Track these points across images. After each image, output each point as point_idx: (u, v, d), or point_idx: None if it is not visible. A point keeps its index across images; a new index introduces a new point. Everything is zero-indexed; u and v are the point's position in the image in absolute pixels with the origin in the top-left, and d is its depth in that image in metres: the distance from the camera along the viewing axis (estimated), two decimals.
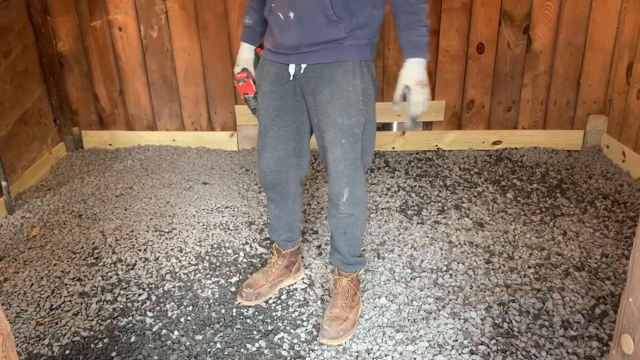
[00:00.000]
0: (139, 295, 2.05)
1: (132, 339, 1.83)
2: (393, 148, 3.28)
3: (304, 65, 1.64)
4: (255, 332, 1.85)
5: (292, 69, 1.67)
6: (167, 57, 3.15)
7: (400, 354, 1.74)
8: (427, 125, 3.26)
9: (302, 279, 2.12)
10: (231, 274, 2.17)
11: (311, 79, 1.65)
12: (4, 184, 2.61)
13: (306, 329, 1.86)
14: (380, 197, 2.72)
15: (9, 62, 2.78)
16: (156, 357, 1.74)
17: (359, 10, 1.57)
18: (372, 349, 1.77)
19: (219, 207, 2.67)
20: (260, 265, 2.22)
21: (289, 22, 1.59)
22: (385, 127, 3.29)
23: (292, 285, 2.08)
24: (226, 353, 1.76)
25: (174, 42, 3.12)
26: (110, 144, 3.37)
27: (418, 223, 2.48)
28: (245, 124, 3.27)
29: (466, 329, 1.83)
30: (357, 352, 1.76)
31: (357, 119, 1.65)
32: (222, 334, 1.84)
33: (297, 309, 1.96)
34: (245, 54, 1.84)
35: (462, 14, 2.98)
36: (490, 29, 3.01)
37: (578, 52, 3.03)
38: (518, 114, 3.19)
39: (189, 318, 1.92)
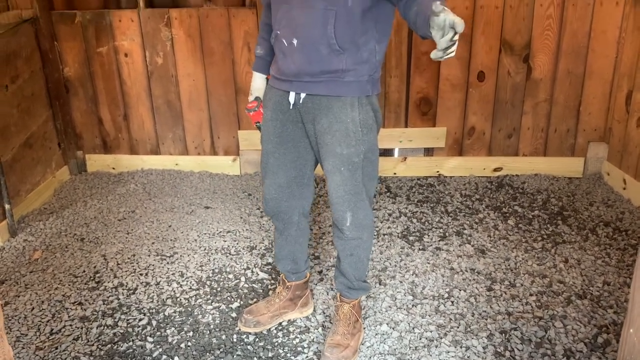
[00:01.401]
0: (140, 320, 2.04)
1: None
2: (394, 174, 3.29)
3: (303, 95, 1.66)
4: (255, 358, 1.84)
5: (292, 97, 1.69)
6: (172, 82, 3.20)
7: None
8: (428, 152, 3.28)
9: (311, 314, 2.08)
10: (232, 299, 2.16)
11: (310, 108, 1.67)
12: (7, 207, 2.62)
13: (307, 356, 1.85)
14: (382, 222, 2.72)
15: (16, 87, 2.82)
16: None
17: (361, 44, 1.59)
18: None
19: (220, 232, 2.68)
20: (261, 290, 2.22)
21: (292, 49, 1.62)
22: (387, 153, 3.31)
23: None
24: None
25: (179, 68, 3.17)
26: (113, 168, 3.39)
27: (420, 249, 2.48)
28: (248, 149, 3.30)
29: (468, 357, 1.82)
30: None
31: (356, 148, 1.65)
32: None
33: (298, 336, 1.95)
34: (258, 82, 1.87)
35: (463, 42, 3.03)
36: (490, 58, 3.05)
37: (578, 81, 3.07)
38: (519, 141, 3.21)
39: (189, 344, 1.91)
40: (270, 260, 2.42)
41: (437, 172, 3.28)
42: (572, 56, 3.02)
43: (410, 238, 2.58)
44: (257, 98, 1.86)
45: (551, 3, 2.93)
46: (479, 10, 2.96)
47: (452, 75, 3.10)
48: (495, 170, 3.25)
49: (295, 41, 1.60)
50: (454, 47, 1.27)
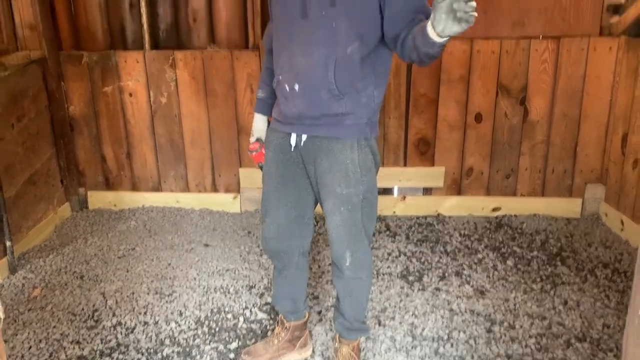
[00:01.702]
0: None
1: None
2: (394, 212, 3.31)
3: (304, 136, 1.71)
4: None
5: (293, 139, 1.73)
6: (175, 121, 3.26)
7: None
8: (427, 191, 3.31)
9: (309, 356, 2.07)
10: (230, 339, 2.15)
11: (311, 150, 1.71)
12: (8, 244, 2.64)
13: None
14: (381, 262, 2.73)
15: (22, 126, 2.87)
16: None
17: (361, 89, 1.65)
18: None
19: (219, 270, 2.68)
20: (260, 331, 2.21)
21: (294, 93, 1.67)
22: (387, 191, 3.34)
23: None
24: None
25: (182, 108, 3.23)
26: (115, 205, 3.42)
27: (419, 289, 2.48)
28: (249, 187, 3.33)
29: None
30: None
31: (356, 189, 1.69)
32: None
33: None
34: (259, 123, 1.92)
35: (460, 86, 3.10)
36: (487, 100, 3.11)
37: (573, 123, 3.12)
38: (517, 182, 3.25)
39: None
40: (269, 299, 2.41)
41: (436, 211, 3.30)
42: (568, 99, 3.08)
43: (410, 278, 2.58)
44: (258, 139, 1.90)
45: (546, 48, 3.01)
46: (476, 54, 3.04)
47: (450, 116, 3.16)
48: (494, 210, 3.27)
49: (296, 86, 1.65)
50: (474, 3, 1.25)
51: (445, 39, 1.38)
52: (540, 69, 3.04)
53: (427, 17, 1.44)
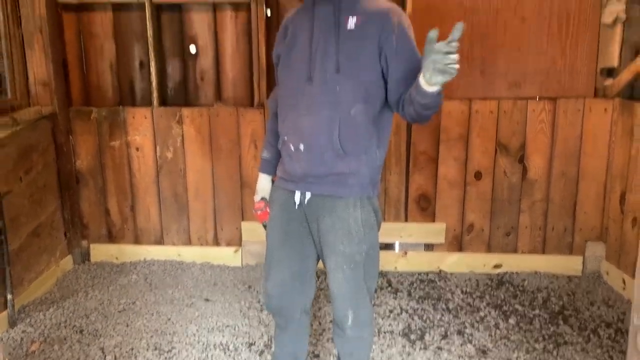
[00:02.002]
0: None
1: None
2: (395, 268, 3.31)
3: (308, 194, 1.75)
4: None
5: (297, 197, 1.77)
6: (180, 175, 3.31)
7: None
8: (429, 247, 3.32)
9: None
10: None
11: (314, 208, 1.75)
12: (9, 297, 2.63)
13: None
14: (382, 319, 2.71)
15: (30, 179, 2.93)
16: None
17: (364, 149, 1.70)
18: None
19: (219, 326, 2.66)
20: None
21: (299, 153, 1.72)
22: (388, 247, 3.35)
23: None
24: None
25: (188, 163, 3.29)
26: (117, 258, 3.42)
27: (421, 348, 2.46)
28: (250, 240, 3.35)
29: None
30: None
31: (359, 247, 1.72)
32: None
33: None
34: (263, 183, 1.97)
35: (460, 144, 3.17)
36: (486, 158, 3.18)
37: (572, 181, 3.17)
38: (517, 239, 3.26)
39: None
40: (269, 357, 2.39)
41: (438, 267, 3.30)
42: (566, 158, 3.14)
43: (412, 336, 2.56)
44: (263, 198, 1.94)
45: (543, 109, 3.10)
46: (475, 114, 3.12)
47: (450, 174, 3.21)
48: (495, 267, 3.27)
49: (301, 146, 1.71)
50: (455, 57, 1.36)
51: (436, 88, 1.46)
52: (537, 129, 3.12)
53: None
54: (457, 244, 3.30)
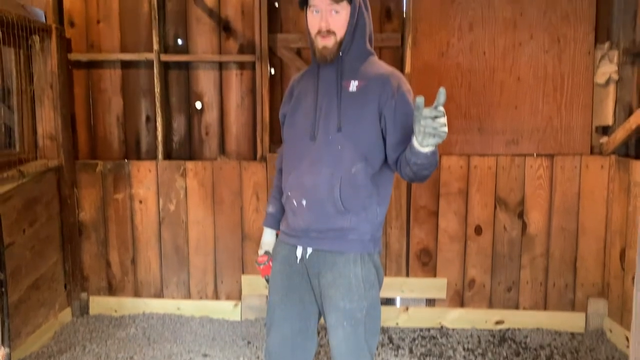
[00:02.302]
0: None
1: None
2: (397, 324, 3.28)
3: (310, 250, 1.78)
4: None
5: (299, 251, 1.80)
6: (182, 228, 3.33)
7: None
8: (430, 302, 3.31)
9: None
10: None
11: (315, 263, 1.77)
12: (6, 350, 2.60)
13: None
14: None
15: (33, 231, 2.95)
16: None
17: (365, 206, 1.74)
18: None
19: None
20: None
21: (301, 208, 1.76)
22: (389, 302, 3.33)
23: None
24: None
25: (190, 215, 3.32)
26: (115, 310, 3.40)
27: None
28: (250, 294, 3.33)
29: None
30: None
31: (359, 303, 1.72)
32: None
33: None
34: (268, 237, 1.99)
35: (459, 198, 3.21)
36: (486, 213, 3.21)
37: (572, 237, 3.19)
38: (519, 294, 3.25)
39: None
40: None
41: (440, 323, 3.27)
42: (565, 214, 3.17)
43: None
44: (266, 252, 1.96)
45: (540, 165, 3.15)
46: (473, 170, 3.17)
47: (450, 228, 3.23)
48: (497, 323, 3.24)
49: (304, 202, 1.75)
50: (443, 120, 1.43)
51: (428, 148, 1.52)
52: (536, 185, 3.17)
53: None
54: (458, 299, 3.28)
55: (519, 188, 3.18)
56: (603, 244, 3.18)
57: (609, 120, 3.16)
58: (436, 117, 1.44)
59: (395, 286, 3.27)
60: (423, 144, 1.50)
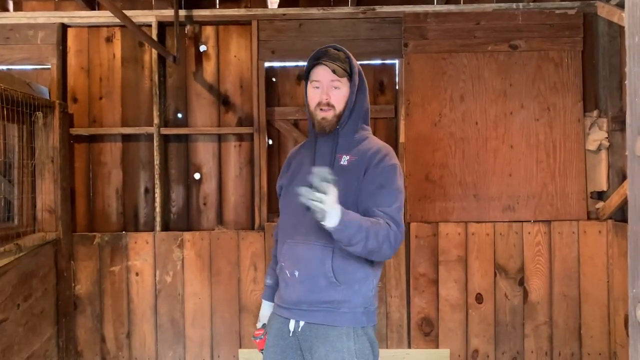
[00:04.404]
0: None
1: None
2: None
3: (302, 323, 1.75)
4: None
5: (292, 325, 1.77)
6: (178, 300, 3.28)
7: None
8: None
9: None
10: None
11: (308, 336, 1.74)
12: None
13: None
14: None
15: (27, 305, 2.90)
16: None
17: (357, 279, 1.73)
18: None
19: None
20: None
21: (294, 279, 1.75)
22: None
23: None
24: None
25: (186, 287, 3.28)
26: None
27: None
28: None
29: None
30: None
31: None
32: None
33: None
34: (266, 310, 1.97)
35: (459, 266, 3.18)
36: (486, 281, 3.17)
37: (574, 304, 3.14)
38: None
39: None
40: None
41: None
42: (566, 280, 3.14)
43: None
44: (264, 325, 1.94)
45: (538, 231, 3.16)
46: (471, 236, 3.17)
47: (451, 296, 3.19)
48: None
49: (296, 273, 1.75)
50: (316, 197, 1.47)
51: (330, 225, 1.54)
52: (534, 251, 3.16)
53: (386, 214, 1.65)
54: None
55: (518, 255, 3.17)
56: (607, 310, 3.13)
57: (603, 186, 3.19)
58: (316, 193, 1.47)
59: (398, 358, 3.18)
60: (317, 217, 1.53)
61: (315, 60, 1.80)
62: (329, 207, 1.49)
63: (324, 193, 1.48)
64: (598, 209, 3.18)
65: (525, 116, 3.24)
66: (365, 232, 1.58)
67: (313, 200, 1.47)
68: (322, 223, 1.54)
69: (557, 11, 3.24)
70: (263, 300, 1.99)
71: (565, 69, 3.22)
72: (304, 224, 1.76)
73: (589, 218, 3.20)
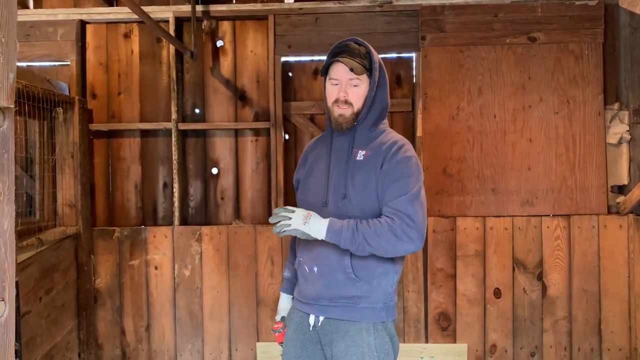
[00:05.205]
0: None
1: None
2: None
3: (322, 317, 1.76)
4: None
5: (312, 319, 1.78)
6: (196, 294, 3.32)
7: None
8: None
9: None
10: None
11: (328, 331, 1.75)
12: None
13: None
14: None
15: (49, 299, 2.95)
16: None
17: (377, 274, 1.73)
18: None
19: None
20: None
21: (312, 275, 1.76)
22: None
23: None
24: None
25: (204, 281, 3.31)
26: None
27: None
28: None
29: None
30: None
31: None
32: None
33: None
34: (284, 302, 1.98)
35: (477, 261, 3.16)
36: (504, 275, 3.15)
37: (594, 299, 3.11)
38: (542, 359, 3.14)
39: None
40: None
41: None
42: (585, 275, 3.11)
43: None
44: (283, 318, 1.94)
45: (557, 225, 3.12)
46: (489, 231, 3.15)
47: (469, 291, 3.17)
48: None
49: (315, 268, 1.75)
50: (281, 222, 1.67)
51: (319, 238, 1.68)
52: (553, 245, 3.12)
53: (392, 209, 1.68)
54: None
55: (536, 249, 3.14)
56: (627, 305, 3.09)
57: (624, 180, 3.15)
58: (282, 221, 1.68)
59: (415, 352, 3.18)
60: (298, 235, 1.71)
61: (335, 56, 1.76)
62: (298, 225, 1.66)
63: (289, 217, 1.66)
64: (619, 203, 3.14)
65: (544, 109, 3.20)
66: (362, 235, 1.63)
67: (283, 225, 1.66)
68: (314, 237, 1.68)
69: (578, 2, 3.19)
70: (281, 293, 1.99)
71: (586, 62, 3.18)
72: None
73: (609, 212, 3.16)
